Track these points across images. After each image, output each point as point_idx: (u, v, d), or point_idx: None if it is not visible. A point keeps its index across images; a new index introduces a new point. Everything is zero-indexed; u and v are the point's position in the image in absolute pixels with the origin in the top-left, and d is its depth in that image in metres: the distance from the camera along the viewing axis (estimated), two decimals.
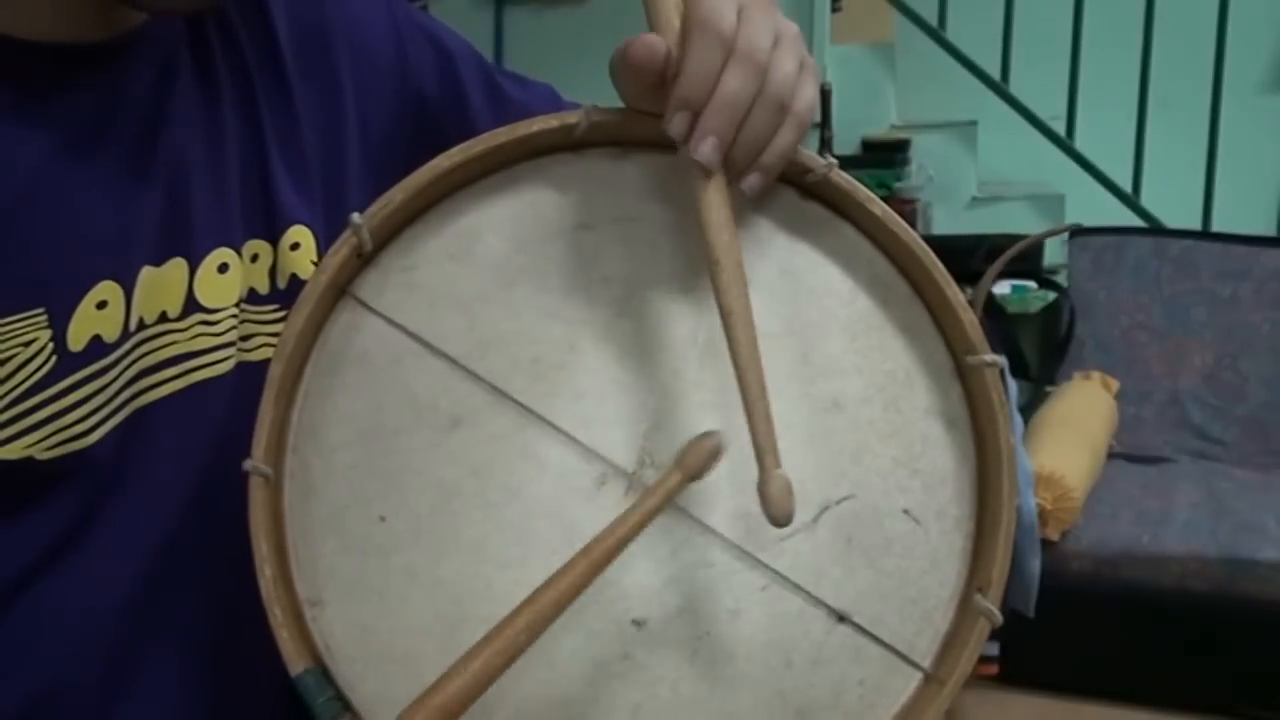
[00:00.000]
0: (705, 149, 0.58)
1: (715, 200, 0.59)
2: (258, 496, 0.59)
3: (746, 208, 0.64)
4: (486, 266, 0.64)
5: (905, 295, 0.66)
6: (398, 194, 0.61)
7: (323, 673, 0.60)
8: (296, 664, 0.59)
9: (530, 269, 0.64)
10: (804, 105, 0.61)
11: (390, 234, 0.64)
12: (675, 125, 0.59)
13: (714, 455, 0.59)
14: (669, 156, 0.64)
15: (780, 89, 0.59)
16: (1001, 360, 0.63)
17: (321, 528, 0.62)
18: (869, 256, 0.66)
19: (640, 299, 0.64)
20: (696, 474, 0.59)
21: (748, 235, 0.64)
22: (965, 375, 0.65)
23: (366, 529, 0.62)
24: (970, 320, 0.63)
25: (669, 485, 0.58)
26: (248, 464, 0.59)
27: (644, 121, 0.62)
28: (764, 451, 0.57)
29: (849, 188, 0.64)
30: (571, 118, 0.63)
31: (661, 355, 0.64)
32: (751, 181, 0.60)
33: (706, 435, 0.59)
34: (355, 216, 0.61)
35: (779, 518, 0.56)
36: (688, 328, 0.64)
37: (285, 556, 0.61)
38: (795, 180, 0.65)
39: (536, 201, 0.65)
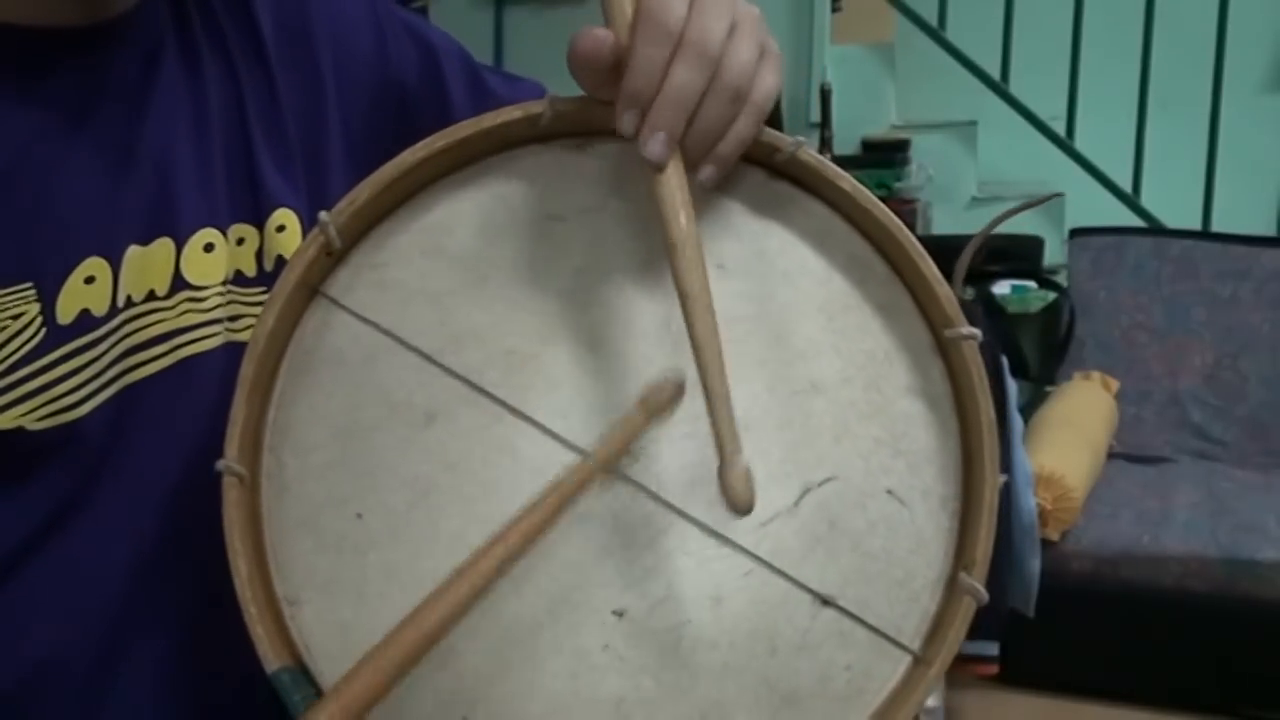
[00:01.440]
0: (653, 146, 0.57)
1: (671, 185, 0.58)
2: (231, 496, 0.59)
3: (715, 190, 0.63)
4: (457, 261, 0.64)
5: (881, 273, 0.65)
6: (364, 190, 0.61)
7: (303, 671, 0.60)
8: (272, 662, 0.59)
9: (501, 262, 0.64)
10: (762, 93, 0.60)
11: (360, 231, 0.64)
12: (625, 122, 0.58)
13: (676, 394, 0.59)
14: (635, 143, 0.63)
15: (735, 78, 0.58)
16: (979, 333, 0.62)
17: (298, 527, 0.61)
18: (843, 235, 0.65)
19: (612, 287, 0.64)
20: (659, 412, 0.59)
21: (717, 218, 0.64)
22: (945, 351, 0.64)
23: (343, 527, 0.61)
24: (947, 294, 0.62)
25: (633, 424, 0.58)
26: (220, 464, 0.59)
27: (607, 110, 0.61)
28: (724, 438, 0.56)
29: (817, 165, 0.63)
30: (535, 108, 0.62)
31: (635, 343, 0.63)
32: (707, 173, 0.60)
33: (668, 374, 0.59)
34: (322, 215, 0.61)
35: (739, 505, 0.56)
36: (660, 314, 0.63)
37: (264, 555, 0.61)
38: (764, 160, 0.64)
39: (505, 194, 0.64)
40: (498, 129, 0.62)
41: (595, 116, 0.62)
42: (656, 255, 0.63)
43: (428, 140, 0.62)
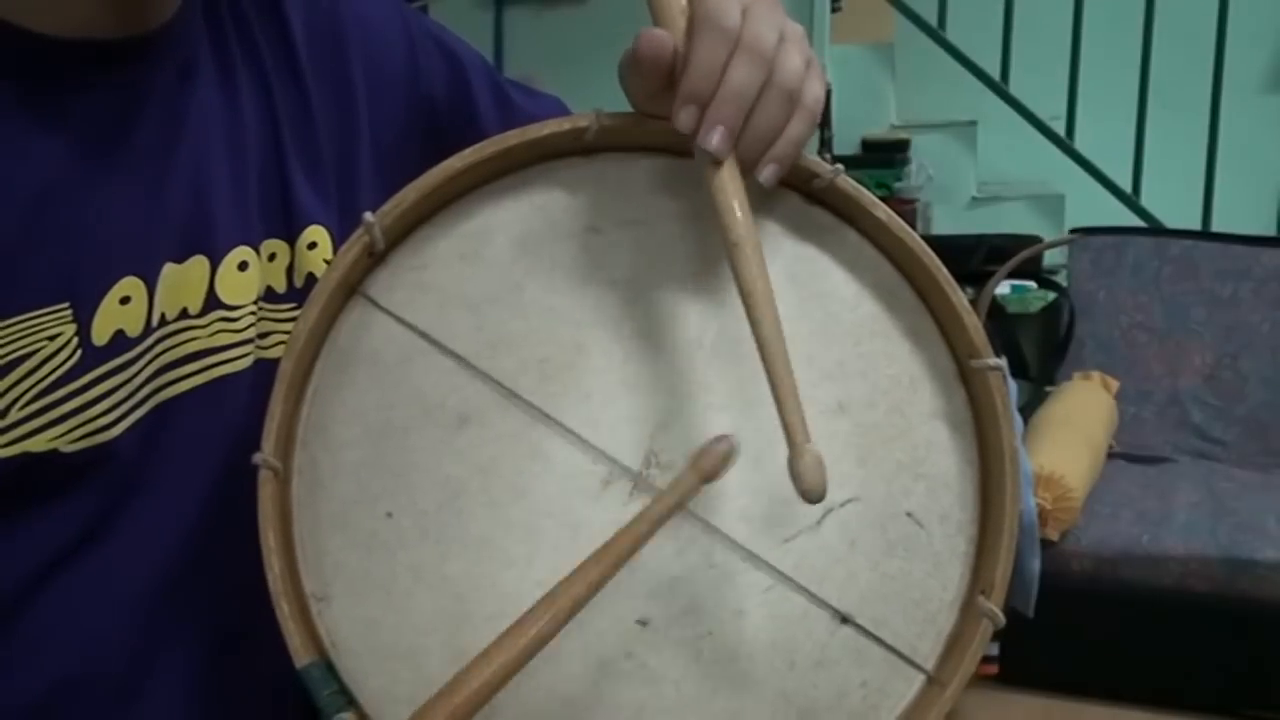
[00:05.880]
0: (714, 139, 0.59)
1: (729, 185, 0.59)
2: (266, 490, 0.60)
3: (752, 212, 0.64)
4: (496, 267, 0.65)
5: (910, 300, 0.66)
6: (410, 194, 0.62)
7: (328, 667, 0.60)
8: (302, 657, 0.59)
9: (539, 270, 0.65)
10: (812, 98, 0.62)
11: (401, 234, 0.64)
12: (683, 119, 0.59)
13: (727, 458, 0.59)
14: (678, 160, 0.64)
15: (788, 80, 0.60)
16: (1004, 364, 0.63)
17: (329, 523, 0.62)
18: (874, 262, 0.66)
19: (648, 301, 0.65)
20: (711, 476, 0.59)
21: None
22: (969, 379, 0.65)
23: (373, 525, 0.62)
24: (974, 324, 0.63)
25: (684, 487, 0.58)
26: (257, 457, 0.59)
27: (653, 126, 0.62)
28: (793, 427, 0.56)
29: (854, 193, 0.64)
30: (582, 121, 0.63)
31: (669, 356, 0.64)
32: (768, 173, 0.61)
33: (720, 439, 0.59)
34: (368, 215, 0.61)
35: (812, 493, 0.55)
36: (695, 329, 0.64)
37: (293, 551, 0.62)
38: (800, 186, 0.65)
39: (546, 204, 0.65)
40: (543, 140, 0.63)
41: (639, 132, 0.64)
42: (693, 271, 0.64)
43: (476, 147, 0.62)
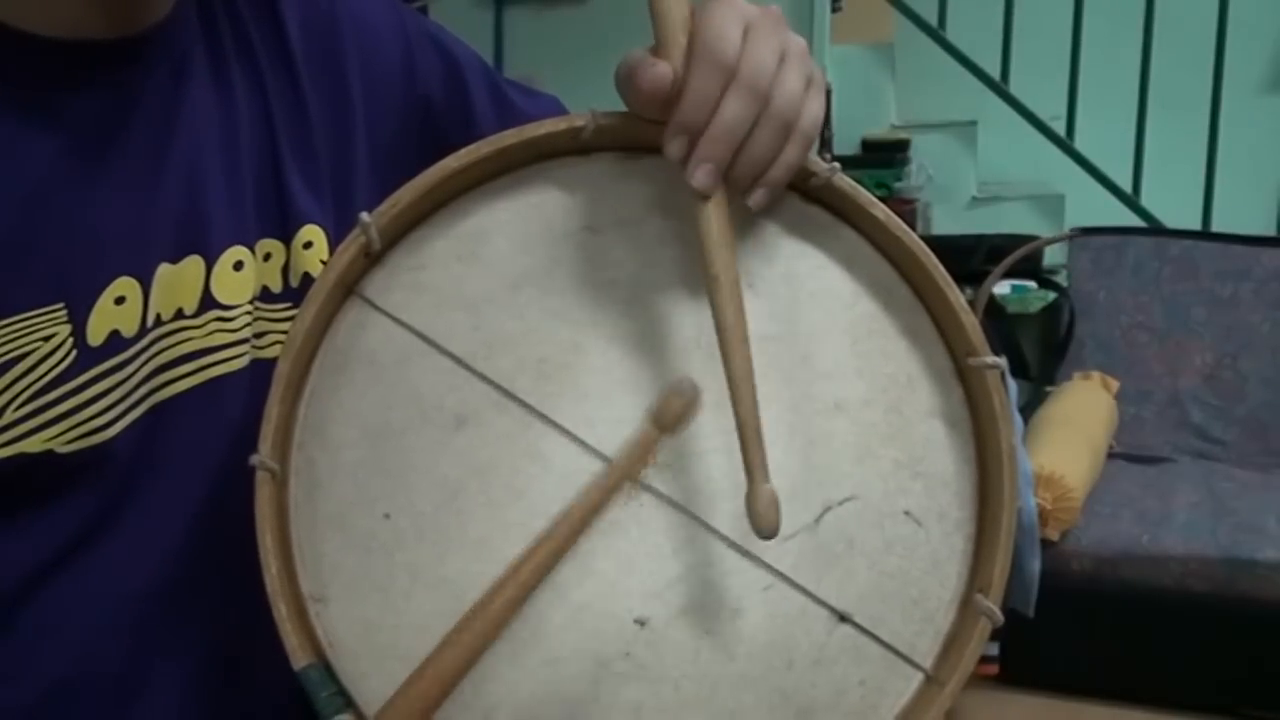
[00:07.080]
0: (700, 175, 0.59)
1: (714, 217, 0.60)
2: (264, 491, 0.60)
3: (749, 212, 0.64)
4: (493, 268, 0.64)
5: (907, 299, 0.66)
6: (406, 194, 0.62)
7: (326, 668, 0.60)
8: (300, 659, 0.59)
9: (536, 271, 0.65)
10: (809, 122, 0.62)
11: (398, 234, 0.64)
12: (673, 149, 0.60)
13: (687, 408, 0.61)
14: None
15: (784, 110, 0.60)
16: (1002, 362, 0.63)
17: (326, 524, 0.62)
18: (871, 260, 0.66)
19: (645, 301, 0.65)
20: (670, 427, 0.60)
21: (751, 239, 0.65)
22: (966, 378, 0.65)
23: (371, 526, 0.62)
24: (971, 323, 0.63)
25: (643, 441, 0.60)
26: (254, 458, 0.59)
27: (650, 127, 0.62)
28: (753, 466, 0.58)
29: (852, 192, 0.64)
30: (578, 121, 0.63)
31: (665, 356, 0.64)
32: (757, 198, 0.62)
33: (679, 385, 0.61)
34: (364, 216, 0.61)
35: (765, 530, 0.58)
36: (692, 329, 0.64)
37: (290, 552, 0.61)
38: (798, 185, 0.65)
39: (543, 204, 0.65)
40: (540, 139, 0.63)
41: (637, 132, 0.63)
42: (689, 271, 0.64)
43: (472, 147, 0.62)
